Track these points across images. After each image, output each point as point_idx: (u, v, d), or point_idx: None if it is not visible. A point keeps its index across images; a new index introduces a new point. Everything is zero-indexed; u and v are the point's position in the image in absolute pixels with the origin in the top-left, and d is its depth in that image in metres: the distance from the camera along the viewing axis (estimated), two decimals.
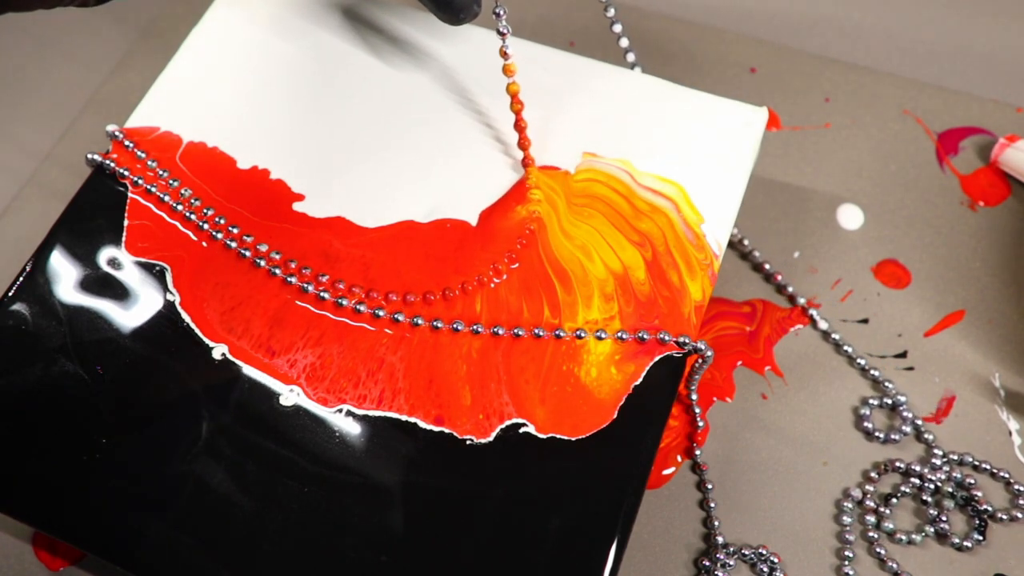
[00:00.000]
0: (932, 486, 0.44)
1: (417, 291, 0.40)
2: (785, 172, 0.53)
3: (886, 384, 0.46)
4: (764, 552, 0.43)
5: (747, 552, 0.43)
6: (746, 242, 0.50)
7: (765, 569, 0.43)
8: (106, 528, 0.38)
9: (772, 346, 0.48)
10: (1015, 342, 0.48)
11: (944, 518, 0.43)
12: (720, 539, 0.43)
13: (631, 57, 0.47)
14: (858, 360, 0.47)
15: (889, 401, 0.46)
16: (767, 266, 0.50)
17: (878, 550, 0.43)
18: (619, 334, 0.39)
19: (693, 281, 0.41)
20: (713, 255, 0.41)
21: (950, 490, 0.44)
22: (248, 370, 0.40)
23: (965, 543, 0.43)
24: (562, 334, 0.39)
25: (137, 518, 0.38)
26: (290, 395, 0.39)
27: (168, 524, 0.37)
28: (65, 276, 0.42)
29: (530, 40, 0.47)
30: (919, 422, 0.46)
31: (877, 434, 0.45)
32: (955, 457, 0.45)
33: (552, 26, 0.58)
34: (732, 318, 0.49)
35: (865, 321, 0.49)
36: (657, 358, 0.39)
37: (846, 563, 0.43)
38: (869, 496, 0.44)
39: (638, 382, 0.39)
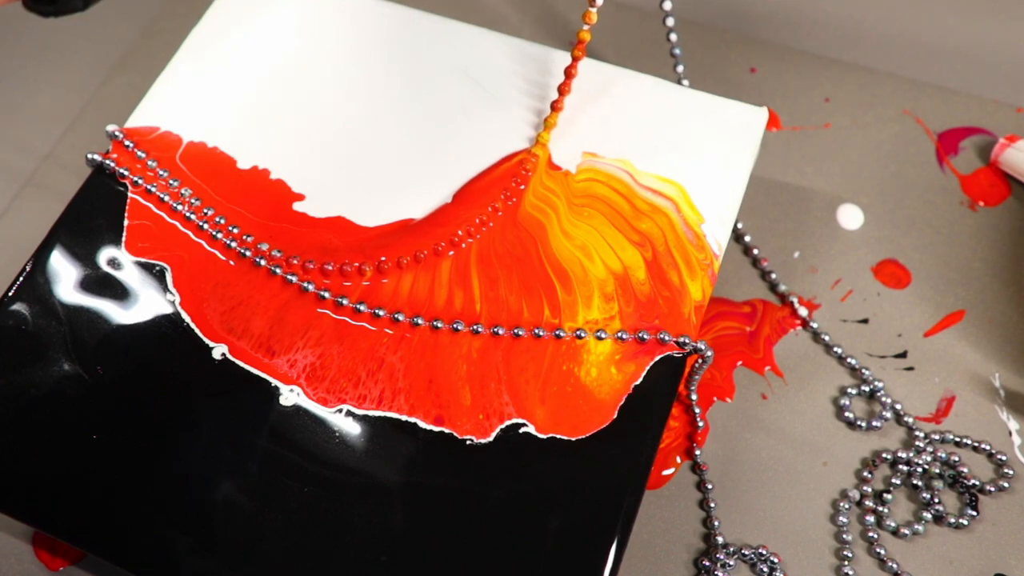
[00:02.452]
0: (920, 469, 0.44)
1: (426, 246, 0.41)
2: (785, 172, 0.53)
3: (864, 371, 0.47)
4: (764, 552, 0.43)
5: (747, 552, 0.43)
6: (748, 238, 0.50)
7: (765, 569, 0.43)
8: (106, 528, 0.38)
9: (772, 346, 0.48)
10: (1015, 342, 0.48)
11: (938, 500, 0.44)
12: (720, 539, 0.43)
13: (679, 69, 0.49)
14: (848, 360, 0.47)
15: (867, 388, 0.46)
16: (764, 264, 0.50)
17: (878, 550, 0.43)
18: (619, 334, 0.39)
19: (693, 281, 0.41)
20: (713, 255, 0.41)
21: (937, 471, 0.44)
22: (248, 370, 0.40)
23: (961, 521, 0.43)
24: (562, 334, 0.39)
25: (137, 518, 0.38)
26: (290, 395, 0.39)
27: (168, 524, 0.37)
28: (65, 276, 0.42)
29: (530, 40, 0.47)
30: (898, 406, 0.46)
31: (859, 423, 0.46)
32: (937, 437, 0.45)
33: (552, 26, 0.58)
34: (732, 318, 0.49)
35: (865, 321, 0.49)
36: (657, 358, 0.39)
37: (846, 563, 0.43)
38: (867, 497, 0.44)
39: (638, 382, 0.39)
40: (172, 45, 0.48)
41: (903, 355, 0.48)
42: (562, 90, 0.43)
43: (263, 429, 0.39)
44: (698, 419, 0.45)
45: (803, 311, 0.48)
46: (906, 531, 0.43)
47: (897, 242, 0.51)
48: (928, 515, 0.43)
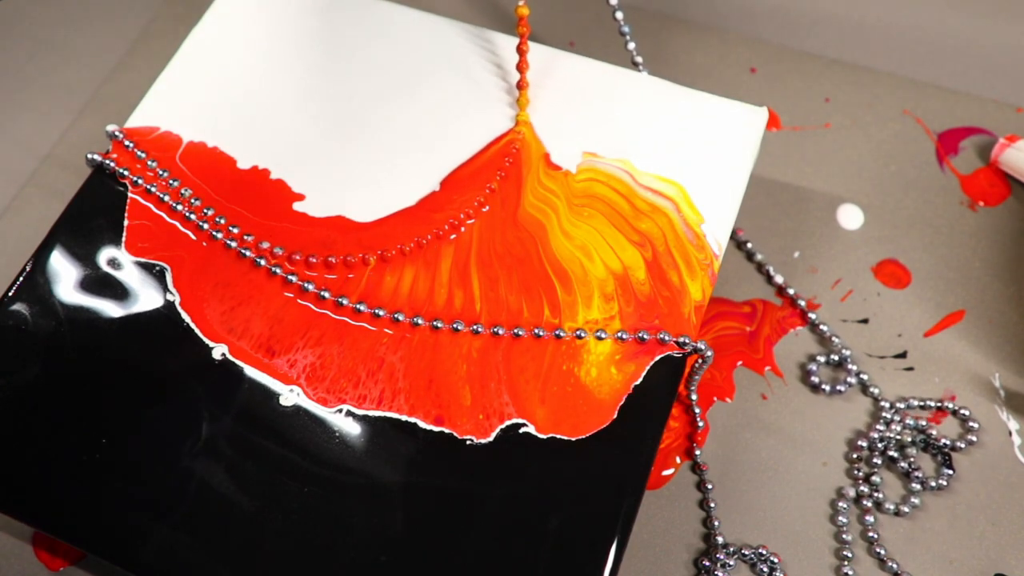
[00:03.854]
0: (894, 440, 0.45)
1: (428, 232, 0.42)
2: (785, 172, 0.53)
3: (834, 339, 0.48)
4: (764, 552, 0.43)
5: (747, 552, 0.43)
6: (750, 244, 0.50)
7: (765, 569, 0.43)
8: (106, 528, 0.38)
9: (772, 346, 0.48)
10: (1015, 342, 0.48)
11: (916, 466, 0.45)
12: (720, 539, 0.44)
13: (638, 60, 0.48)
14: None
15: (836, 357, 0.47)
16: (770, 268, 0.50)
17: (878, 550, 0.43)
18: (619, 334, 0.39)
19: (693, 281, 0.41)
20: (713, 255, 0.41)
21: (909, 438, 0.45)
22: (248, 370, 0.40)
23: (941, 482, 0.44)
24: (562, 334, 0.39)
25: (137, 518, 0.38)
26: (290, 395, 0.39)
27: (168, 524, 0.37)
28: (65, 276, 0.42)
29: (530, 40, 0.47)
30: (864, 376, 0.47)
31: (823, 387, 0.46)
32: (901, 405, 0.46)
33: (552, 26, 0.58)
34: (732, 318, 0.49)
35: (865, 321, 0.49)
36: (657, 358, 0.39)
37: (846, 563, 0.43)
38: (863, 497, 0.44)
39: (638, 382, 0.39)
40: (172, 45, 0.48)
41: (903, 355, 0.48)
42: (520, 68, 0.44)
43: (263, 429, 0.39)
44: (698, 419, 0.45)
45: (802, 303, 0.48)
46: (906, 508, 0.44)
47: (897, 242, 0.51)
48: (916, 485, 0.44)
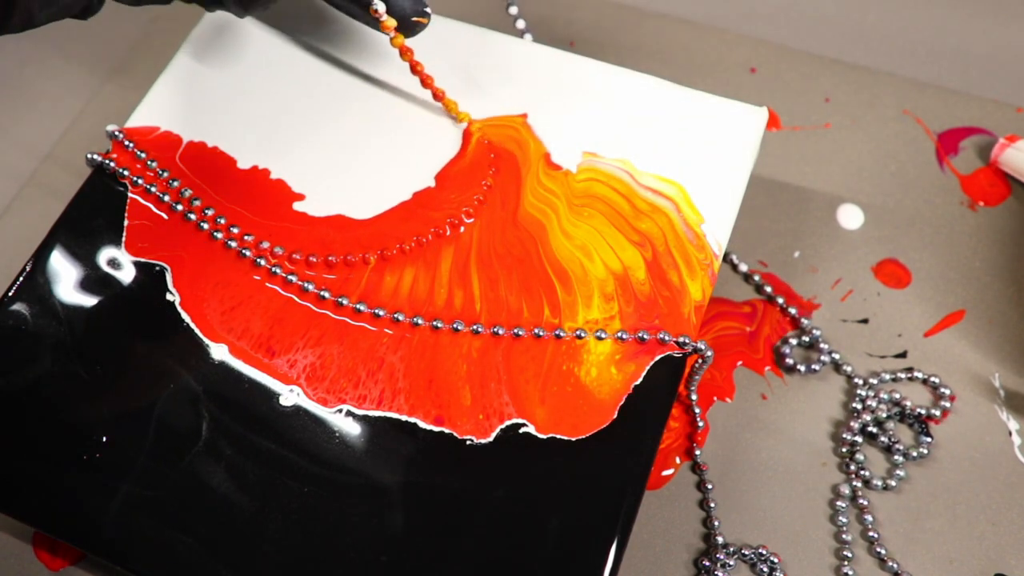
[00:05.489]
0: (871, 418, 0.46)
1: (428, 232, 0.42)
2: (785, 172, 0.53)
3: (803, 320, 0.48)
4: (764, 552, 0.43)
5: (747, 552, 0.43)
6: (734, 256, 0.50)
7: (765, 569, 0.43)
8: (106, 528, 0.38)
9: (772, 346, 0.48)
10: (1015, 342, 0.48)
11: (896, 439, 0.45)
12: (720, 539, 0.44)
13: (520, 24, 0.49)
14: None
15: (807, 339, 0.48)
16: (753, 271, 0.50)
17: (878, 550, 0.43)
18: (619, 334, 0.39)
19: (693, 281, 0.41)
20: (713, 255, 0.41)
21: (885, 413, 0.46)
22: (248, 370, 0.40)
23: (921, 450, 0.45)
24: (562, 334, 0.39)
25: (137, 518, 0.38)
26: (290, 395, 0.39)
27: (168, 524, 0.37)
28: (65, 276, 0.42)
29: (530, 40, 0.47)
30: (836, 355, 0.47)
31: (799, 367, 0.47)
32: (874, 381, 0.47)
33: (552, 26, 0.58)
34: (732, 318, 0.49)
35: (865, 321, 0.49)
36: (657, 358, 0.39)
37: (846, 563, 0.43)
38: (860, 494, 0.44)
39: (638, 382, 0.39)
40: (172, 45, 0.48)
41: (903, 355, 0.48)
42: (426, 86, 0.44)
43: (263, 429, 0.39)
44: (698, 419, 0.45)
45: (792, 310, 0.48)
46: (892, 482, 0.44)
47: (897, 242, 0.51)
48: (899, 458, 0.45)
